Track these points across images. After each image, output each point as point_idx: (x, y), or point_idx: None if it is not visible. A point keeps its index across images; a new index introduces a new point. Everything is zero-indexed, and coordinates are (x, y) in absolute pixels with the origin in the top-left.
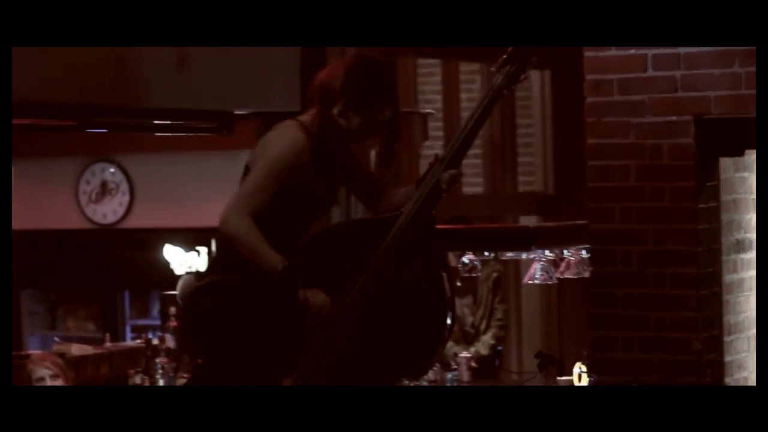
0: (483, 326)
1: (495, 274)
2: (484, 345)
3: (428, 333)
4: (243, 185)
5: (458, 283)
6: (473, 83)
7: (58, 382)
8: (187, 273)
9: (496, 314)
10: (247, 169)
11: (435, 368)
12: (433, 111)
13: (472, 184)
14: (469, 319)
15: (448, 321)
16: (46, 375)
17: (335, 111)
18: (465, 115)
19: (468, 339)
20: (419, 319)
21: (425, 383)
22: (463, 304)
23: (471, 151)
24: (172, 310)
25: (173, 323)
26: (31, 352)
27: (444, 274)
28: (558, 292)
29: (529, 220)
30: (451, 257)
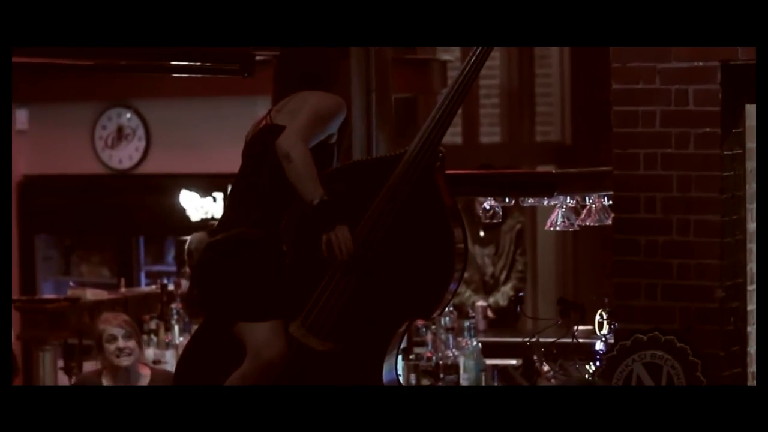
0: (503, 277)
1: (518, 226)
2: (503, 296)
3: (434, 277)
4: (301, 116)
5: (481, 233)
6: None
7: (131, 344)
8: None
9: (517, 266)
10: (275, 126)
11: (452, 316)
12: (451, 58)
13: (490, 133)
14: (490, 269)
15: (457, 267)
16: (119, 334)
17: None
18: None
19: (487, 288)
20: (425, 263)
21: (443, 330)
22: (484, 254)
23: (488, 101)
24: None
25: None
26: (70, 296)
27: (454, 221)
28: (573, 241)
29: (546, 170)
30: (477, 205)
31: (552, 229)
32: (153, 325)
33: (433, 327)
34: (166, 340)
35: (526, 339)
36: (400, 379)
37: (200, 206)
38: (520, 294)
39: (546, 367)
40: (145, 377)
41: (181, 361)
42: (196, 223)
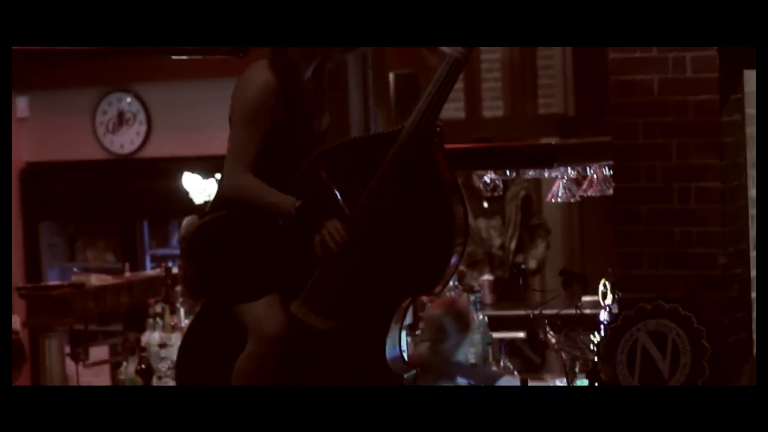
0: (513, 245)
1: (523, 192)
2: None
3: (435, 252)
4: (228, 145)
5: (485, 204)
6: None
7: None
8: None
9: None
10: (230, 120)
11: (458, 290)
12: None
13: (493, 107)
14: (497, 241)
15: (457, 241)
16: None
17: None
18: None
19: (494, 261)
20: (425, 239)
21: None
22: (490, 226)
23: (490, 75)
24: None
25: None
26: (75, 282)
27: (453, 195)
28: (579, 212)
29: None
30: (475, 179)
31: (554, 200)
32: (158, 308)
33: None
34: (172, 323)
35: (530, 311)
36: (404, 355)
37: (203, 188)
38: (522, 266)
39: (554, 339)
40: None
41: (184, 344)
42: (200, 205)
